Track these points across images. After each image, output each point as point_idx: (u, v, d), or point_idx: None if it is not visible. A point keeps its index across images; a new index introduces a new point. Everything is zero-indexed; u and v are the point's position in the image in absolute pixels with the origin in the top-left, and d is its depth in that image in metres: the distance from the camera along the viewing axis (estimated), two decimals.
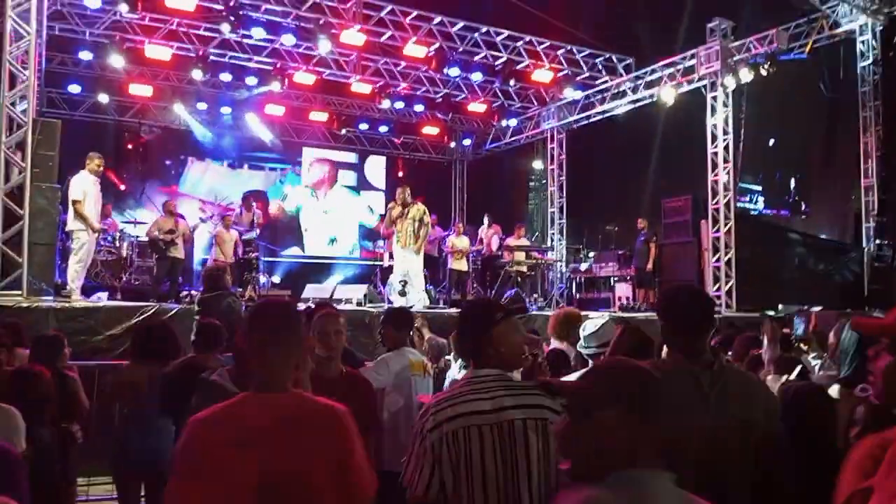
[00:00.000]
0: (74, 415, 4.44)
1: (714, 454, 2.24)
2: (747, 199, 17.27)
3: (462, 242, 13.52)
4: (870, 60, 12.54)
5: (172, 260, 10.40)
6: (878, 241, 12.47)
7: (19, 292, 7.90)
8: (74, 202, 8.63)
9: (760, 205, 17.17)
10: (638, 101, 14.19)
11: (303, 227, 16.58)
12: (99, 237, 10.72)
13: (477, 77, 14.38)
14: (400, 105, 15.71)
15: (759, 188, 17.13)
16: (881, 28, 12.15)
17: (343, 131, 17.03)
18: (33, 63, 8.80)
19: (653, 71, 13.76)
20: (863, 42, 12.58)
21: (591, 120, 15.31)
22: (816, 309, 10.10)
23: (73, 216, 8.64)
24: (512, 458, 2.20)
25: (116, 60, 12.61)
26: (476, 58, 13.84)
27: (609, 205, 15.29)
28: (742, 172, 17.09)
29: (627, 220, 13.52)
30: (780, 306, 11.24)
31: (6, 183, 8.24)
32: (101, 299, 9.07)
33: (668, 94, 13.15)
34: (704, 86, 12.74)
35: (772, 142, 17.24)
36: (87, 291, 9.30)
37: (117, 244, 11.51)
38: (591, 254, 14.71)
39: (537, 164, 18.14)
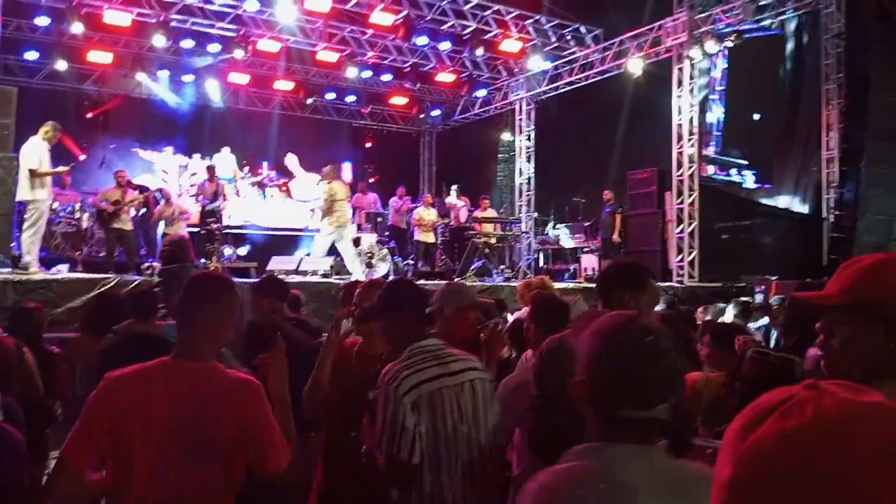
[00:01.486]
0: (56, 393, 4.38)
1: None
2: (733, 172, 17.37)
3: (430, 214, 13.50)
4: (833, 33, 12.66)
5: (118, 231, 10.21)
6: (837, 213, 12.71)
7: None
8: (32, 171, 8.40)
9: (750, 180, 17.28)
10: (606, 72, 14.19)
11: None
12: (58, 208, 10.54)
13: (445, 46, 14.26)
14: (367, 74, 15.53)
15: (746, 162, 17.24)
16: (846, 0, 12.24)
17: (309, 100, 16.80)
18: None
19: (621, 42, 13.76)
20: (827, 14, 12.68)
21: (559, 91, 15.29)
22: (774, 278, 10.32)
23: (27, 185, 8.41)
24: (473, 416, 2.48)
25: (75, 26, 12.25)
26: (444, 27, 13.70)
27: (576, 176, 15.33)
28: (728, 146, 17.33)
29: (594, 191, 13.59)
30: (742, 277, 11.45)
31: None
32: (61, 271, 8.92)
33: (635, 66, 13.17)
34: (671, 57, 12.78)
35: (757, 116, 17.39)
36: (46, 263, 9.14)
37: (77, 215, 11.29)
38: (562, 225, 14.77)
39: (506, 136, 18.11)
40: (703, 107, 13.01)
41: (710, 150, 17.25)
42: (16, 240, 9.00)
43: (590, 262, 12.95)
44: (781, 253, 13.36)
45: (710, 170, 16.93)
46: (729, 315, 5.93)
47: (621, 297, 2.55)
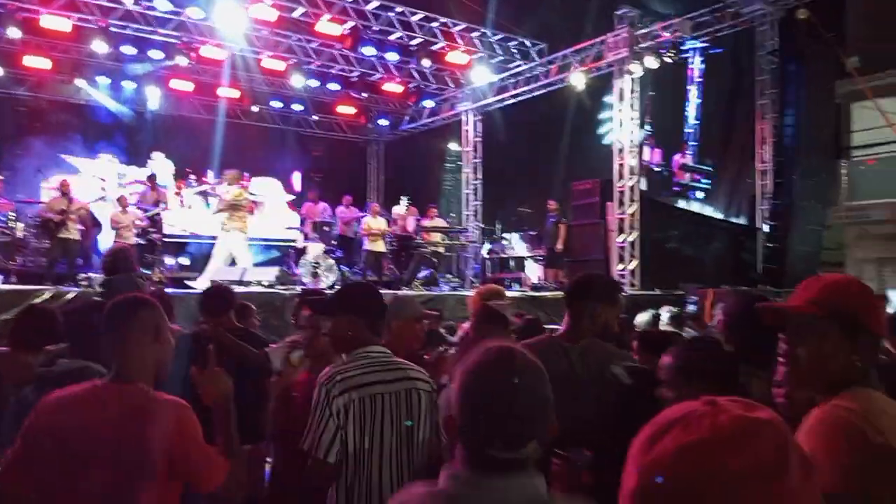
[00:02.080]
0: None
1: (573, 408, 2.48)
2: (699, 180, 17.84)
3: (378, 223, 13.49)
4: (768, 50, 13.15)
5: (64, 241, 9.95)
6: (771, 223, 13.18)
7: None
8: None
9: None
10: (550, 85, 14.45)
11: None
12: None
13: (392, 57, 14.32)
14: (314, 83, 15.47)
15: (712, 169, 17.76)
16: (779, 18, 12.72)
17: (255, 108, 16.63)
18: None
19: (564, 56, 14.03)
20: (761, 32, 13.18)
21: (505, 103, 15.49)
22: (713, 289, 10.64)
23: None
24: (402, 425, 2.51)
25: (11, 31, 11.90)
26: (391, 37, 13.76)
27: (522, 186, 15.57)
28: (701, 156, 17.86)
29: (539, 201, 13.80)
30: (680, 285, 11.76)
31: None
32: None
33: (578, 80, 13.44)
34: (612, 72, 13.09)
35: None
36: None
37: (11, 225, 10.94)
38: (510, 234, 14.94)
39: (453, 146, 18.24)
40: (644, 119, 13.31)
41: (689, 159, 17.81)
42: None
43: (534, 271, 13.13)
44: (719, 262, 13.79)
45: (688, 177, 17.45)
46: (663, 322, 6.10)
47: (594, 309, 2.65)
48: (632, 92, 12.84)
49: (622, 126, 12.88)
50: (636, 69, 12.74)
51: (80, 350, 2.82)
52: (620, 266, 12.51)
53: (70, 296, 7.67)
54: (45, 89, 14.68)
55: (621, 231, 12.59)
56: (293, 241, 13.98)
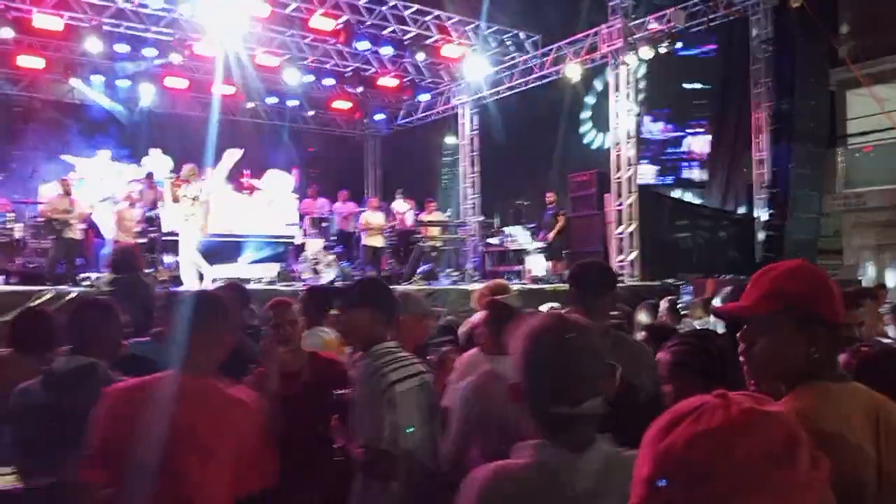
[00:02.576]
0: None
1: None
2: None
3: (376, 218, 13.50)
4: (762, 38, 13.17)
5: (67, 241, 9.93)
6: (770, 212, 13.23)
7: None
8: None
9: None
10: (545, 77, 14.44)
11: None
12: None
13: (387, 51, 14.28)
14: (309, 79, 15.42)
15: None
16: (772, 7, 12.73)
17: (249, 104, 16.58)
18: None
19: (559, 48, 14.02)
20: (755, 21, 13.18)
21: (500, 96, 15.48)
22: (713, 278, 10.69)
23: None
24: (429, 415, 2.64)
25: (3, 31, 11.84)
26: (385, 31, 13.73)
27: (520, 179, 15.57)
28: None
29: (537, 194, 13.82)
30: (678, 275, 11.81)
31: None
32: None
33: (573, 71, 13.44)
34: (606, 63, 13.10)
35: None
36: None
37: (9, 225, 10.91)
38: (510, 227, 14.91)
39: (450, 140, 18.23)
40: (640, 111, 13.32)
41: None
42: None
43: (534, 263, 13.14)
44: (718, 252, 13.84)
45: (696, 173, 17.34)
46: (661, 313, 6.13)
47: (605, 298, 2.69)
48: (627, 83, 12.85)
49: (618, 117, 12.89)
50: (631, 60, 12.74)
51: (85, 349, 2.84)
52: (619, 257, 12.55)
53: (72, 296, 7.66)
54: (39, 89, 14.62)
55: (620, 222, 12.62)
56: (292, 237, 13.98)
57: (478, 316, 5.22)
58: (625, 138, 12.79)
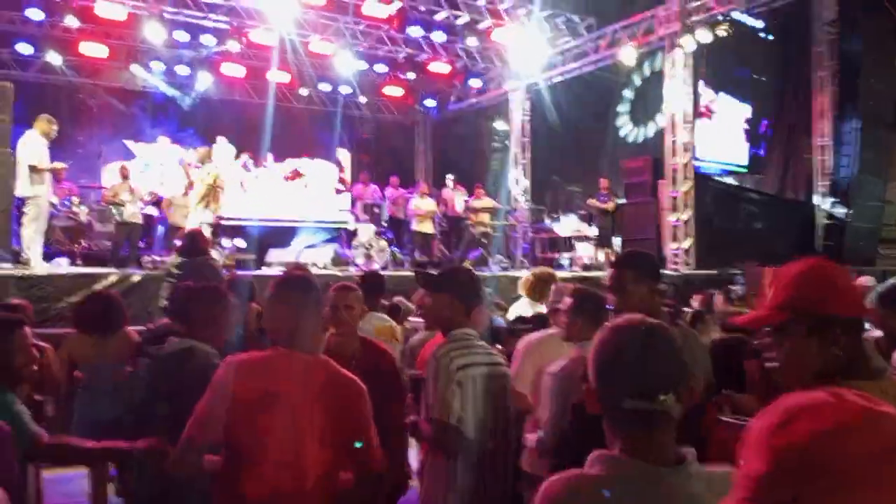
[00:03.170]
0: (46, 388, 4.43)
1: None
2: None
3: (426, 204, 13.57)
4: (825, 20, 12.75)
5: (128, 224, 10.25)
6: (831, 200, 12.87)
7: None
8: (32, 167, 8.41)
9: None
10: (599, 61, 14.24)
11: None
12: (57, 202, 10.56)
13: (439, 37, 14.28)
14: (362, 65, 15.54)
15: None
16: None
17: (304, 91, 16.79)
18: None
19: (613, 31, 13.80)
20: (819, 2, 12.76)
21: (553, 80, 15.33)
22: (772, 267, 10.44)
23: (26, 181, 8.41)
24: (501, 403, 2.77)
25: (68, 19, 12.23)
26: (438, 17, 13.72)
27: (571, 165, 15.43)
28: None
29: (589, 180, 13.70)
30: (735, 264, 11.58)
31: None
32: (62, 266, 8.97)
33: (628, 55, 13.22)
34: (663, 46, 12.84)
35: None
36: (46, 257, 9.17)
37: (75, 209, 11.31)
38: (560, 214, 14.86)
39: (501, 125, 18.15)
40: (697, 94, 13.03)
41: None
42: (15, 235, 9.03)
43: (585, 250, 13.06)
44: (776, 240, 13.51)
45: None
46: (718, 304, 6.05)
47: (650, 287, 2.68)
48: (684, 66, 12.59)
49: (674, 102, 12.65)
50: (688, 43, 12.47)
51: (194, 333, 2.93)
52: (674, 245, 12.36)
53: (135, 278, 7.93)
54: (102, 76, 15.05)
55: (674, 209, 12.42)
56: (344, 222, 14.17)
57: (528, 303, 5.27)
58: (681, 123, 12.55)
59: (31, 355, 2.63)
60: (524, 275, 6.15)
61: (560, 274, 10.70)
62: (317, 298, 2.31)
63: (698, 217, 12.52)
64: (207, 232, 9.31)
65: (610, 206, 12.83)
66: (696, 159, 13.09)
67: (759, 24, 14.10)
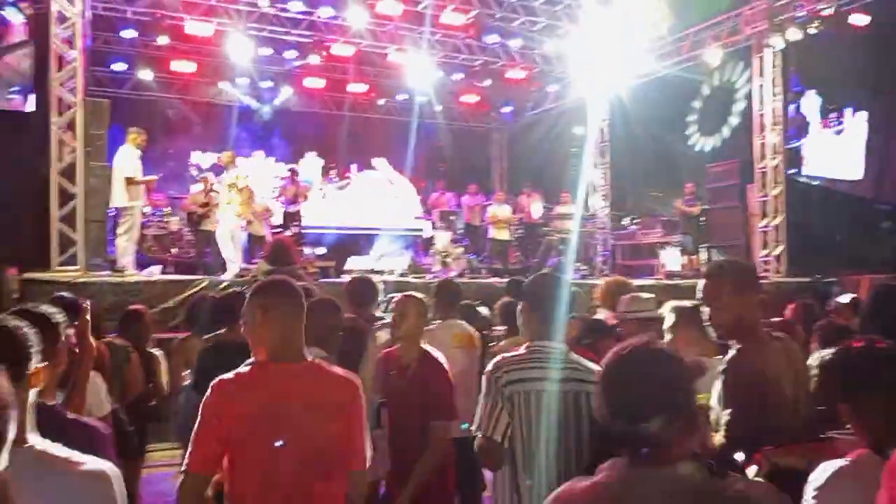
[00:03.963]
0: (156, 391, 4.60)
1: None
2: None
3: (503, 211, 13.49)
4: None
5: (206, 233, 10.57)
6: None
7: (76, 268, 8.18)
8: (128, 179, 8.79)
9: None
10: (682, 62, 13.82)
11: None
12: (148, 211, 11.01)
13: (516, 43, 14.19)
14: (438, 74, 15.61)
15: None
16: None
17: (381, 102, 17.00)
18: (79, 43, 8.97)
19: (697, 32, 13.37)
20: None
21: (633, 84, 14.95)
22: (869, 275, 9.87)
23: (122, 192, 8.80)
24: (565, 426, 2.50)
25: (160, 38, 12.77)
26: (514, 24, 13.64)
27: (652, 169, 14.98)
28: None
29: (671, 184, 13.28)
30: (829, 272, 10.99)
31: (59, 162, 8.47)
32: (154, 273, 9.32)
33: (712, 56, 12.78)
34: (750, 46, 12.37)
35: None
36: (139, 265, 9.56)
37: (166, 219, 11.76)
38: (640, 220, 14.45)
39: (579, 130, 17.85)
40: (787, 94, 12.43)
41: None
42: (111, 244, 9.45)
43: (669, 257, 12.66)
44: (874, 247, 12.75)
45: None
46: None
47: (748, 299, 2.50)
48: (773, 66, 12.08)
49: (762, 102, 12.15)
50: (777, 42, 11.96)
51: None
52: (764, 251, 11.85)
53: (224, 284, 8.15)
54: (190, 91, 15.65)
55: (764, 215, 11.91)
56: (420, 230, 14.23)
57: (602, 312, 5.10)
58: (770, 125, 12.04)
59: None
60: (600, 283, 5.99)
61: (640, 282, 10.42)
62: (300, 307, 2.30)
63: (790, 222, 11.96)
64: (228, 238, 9.51)
65: (696, 209, 12.43)
66: (799, 169, 12.52)
67: (860, 19, 13.31)
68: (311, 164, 13.98)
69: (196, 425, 2.15)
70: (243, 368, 2.22)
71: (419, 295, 3.65)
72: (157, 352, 4.92)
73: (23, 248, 7.95)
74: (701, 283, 2.59)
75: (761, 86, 12.17)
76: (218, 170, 11.09)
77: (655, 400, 1.41)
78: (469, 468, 3.94)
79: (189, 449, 2.14)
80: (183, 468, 2.15)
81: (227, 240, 9.51)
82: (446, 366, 3.45)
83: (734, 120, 13.86)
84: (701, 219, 12.60)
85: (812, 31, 11.94)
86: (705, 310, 2.57)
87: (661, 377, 1.44)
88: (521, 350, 2.65)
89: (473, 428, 2.58)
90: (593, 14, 13.67)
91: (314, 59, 13.87)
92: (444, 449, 3.30)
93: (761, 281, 10.38)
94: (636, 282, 8.60)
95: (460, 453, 3.56)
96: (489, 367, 2.63)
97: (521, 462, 2.50)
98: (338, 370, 2.35)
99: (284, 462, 2.12)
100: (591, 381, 2.54)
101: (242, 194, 9.71)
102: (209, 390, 2.18)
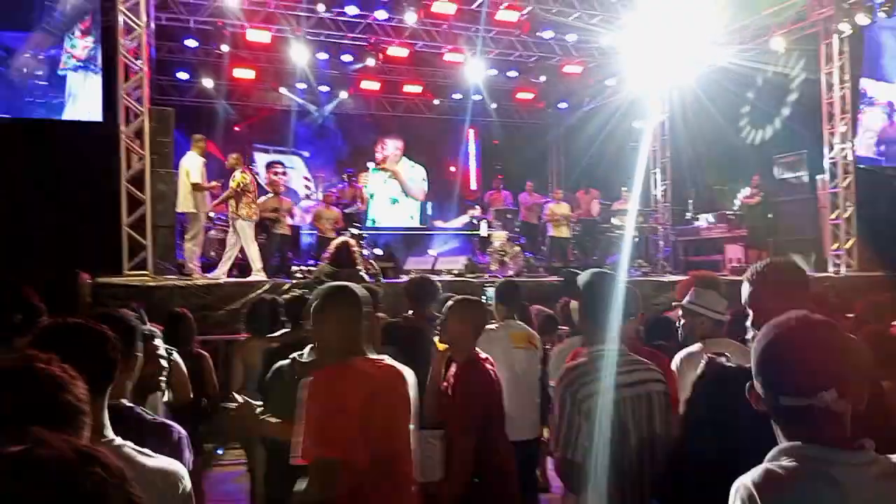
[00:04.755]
0: (205, 392, 4.72)
1: None
2: None
3: (561, 209, 13.35)
4: None
5: (279, 237, 10.79)
6: None
7: (146, 272, 8.45)
8: (195, 185, 9.04)
9: None
10: (745, 50, 13.40)
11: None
12: (213, 216, 11.30)
13: (572, 38, 14.02)
14: (492, 72, 15.56)
15: None
16: None
17: (436, 101, 17.05)
18: (145, 54, 9.26)
19: (759, 19, 12.93)
20: None
21: (693, 75, 14.57)
22: None
23: (189, 198, 9.06)
24: (648, 428, 2.47)
25: (221, 46, 13.10)
26: (570, 18, 13.47)
27: (715, 162, 14.56)
28: None
29: (735, 177, 12.90)
30: None
31: (128, 170, 8.77)
32: (219, 276, 9.55)
33: (778, 43, 12.36)
34: (817, 33, 11.92)
35: None
36: (204, 268, 9.82)
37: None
38: (703, 215, 14.08)
39: (638, 124, 17.53)
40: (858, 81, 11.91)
41: None
42: (179, 248, 9.74)
43: (735, 252, 12.30)
44: None
45: None
46: None
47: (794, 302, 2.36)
48: (840, 53, 11.61)
49: (830, 90, 11.70)
50: (845, 27, 11.49)
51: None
52: (835, 245, 11.40)
53: (286, 286, 8.30)
54: (251, 97, 16.00)
55: (834, 207, 11.46)
56: (477, 229, 14.20)
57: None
58: (839, 114, 11.58)
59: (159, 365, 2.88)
60: (674, 279, 5.84)
61: None
62: (361, 311, 2.44)
63: (861, 214, 11.47)
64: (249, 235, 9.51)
65: (755, 200, 12.04)
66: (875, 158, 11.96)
67: None
68: (373, 176, 14.13)
69: (310, 414, 2.24)
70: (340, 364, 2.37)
71: (472, 298, 3.62)
72: (204, 352, 5.02)
73: (94, 253, 8.25)
74: (745, 286, 2.45)
75: (829, 73, 11.70)
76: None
77: (828, 370, 1.35)
78: (528, 470, 3.92)
79: (307, 436, 2.24)
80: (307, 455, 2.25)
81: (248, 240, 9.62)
82: (491, 374, 3.38)
83: (786, 111, 13.34)
84: (768, 214, 12.20)
85: (882, 14, 11.44)
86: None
87: (831, 345, 1.38)
88: (584, 357, 2.57)
89: (552, 446, 2.54)
90: (652, 4, 13.40)
91: (370, 62, 13.99)
92: (464, 461, 3.16)
93: (832, 275, 9.98)
94: None
95: (519, 456, 3.55)
96: (561, 379, 2.55)
97: (595, 471, 2.42)
98: (385, 361, 2.48)
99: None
100: (659, 380, 2.57)
101: (246, 196, 9.63)
102: (311, 384, 2.29)
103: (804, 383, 1.35)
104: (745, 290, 2.37)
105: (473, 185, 18.25)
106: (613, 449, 2.39)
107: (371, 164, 15.28)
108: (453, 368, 3.42)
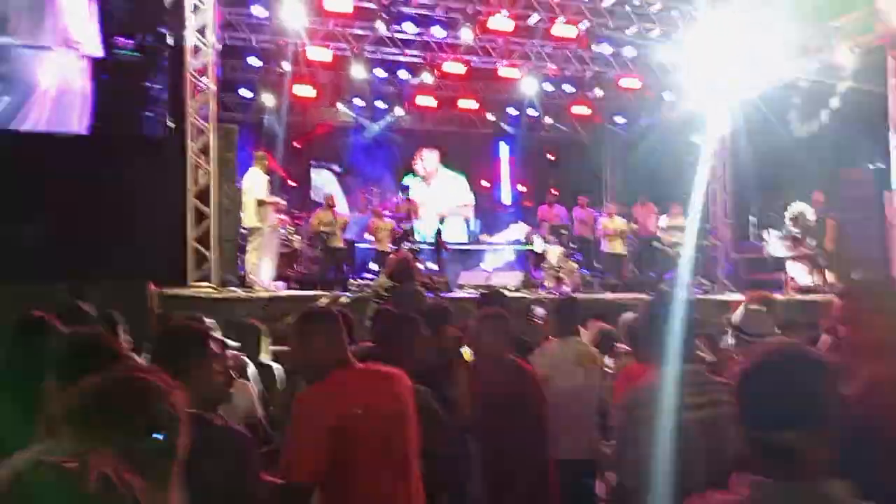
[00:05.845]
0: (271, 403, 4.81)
1: None
2: None
3: (616, 224, 13.22)
4: None
5: (333, 250, 10.98)
6: None
7: (210, 284, 8.70)
8: (259, 200, 9.29)
9: None
10: (807, 65, 13.04)
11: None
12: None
13: (630, 52, 13.92)
14: (548, 87, 15.53)
15: None
16: None
17: (491, 117, 17.11)
18: (212, 72, 9.59)
19: (823, 31, 12.58)
20: None
21: (754, 88, 14.25)
22: None
23: (253, 213, 9.29)
24: (707, 451, 2.32)
25: (283, 64, 13.46)
26: (628, 31, 13.37)
27: (777, 177, 14.19)
28: None
29: (799, 194, 12.53)
30: None
31: (195, 185, 9.07)
32: (279, 289, 9.77)
33: (844, 56, 12.01)
34: (883, 44, 11.54)
35: None
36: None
37: (290, 237, 12.31)
38: (766, 232, 13.73)
39: (697, 139, 17.21)
40: None
41: None
42: (240, 261, 10.00)
43: (797, 271, 11.95)
44: None
45: None
46: None
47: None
48: None
49: None
50: None
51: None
52: None
53: (344, 300, 8.44)
54: (310, 114, 16.33)
55: None
56: (530, 244, 14.17)
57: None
58: None
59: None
60: (734, 298, 5.73)
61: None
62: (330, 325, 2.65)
63: None
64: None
65: (830, 230, 11.64)
66: None
67: None
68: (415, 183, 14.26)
69: (289, 436, 2.54)
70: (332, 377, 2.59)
71: (500, 311, 3.80)
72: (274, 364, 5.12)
73: (159, 265, 8.52)
74: (836, 302, 2.39)
75: None
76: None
77: (798, 409, 1.33)
78: (583, 491, 3.90)
79: (283, 457, 2.53)
80: (283, 476, 2.51)
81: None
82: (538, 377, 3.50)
83: (852, 125, 12.92)
84: (825, 227, 11.78)
85: None
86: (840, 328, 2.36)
87: (806, 384, 1.35)
88: (647, 378, 2.51)
89: (608, 468, 2.54)
90: (712, 19, 13.20)
91: (427, 78, 14.15)
92: None
93: None
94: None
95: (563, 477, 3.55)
96: (626, 401, 2.50)
97: (650, 498, 2.32)
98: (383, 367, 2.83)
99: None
100: (726, 401, 2.39)
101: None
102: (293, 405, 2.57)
103: (770, 418, 1.36)
104: (838, 306, 2.33)
105: (508, 200, 18.28)
106: (673, 474, 2.28)
107: (410, 181, 15.37)
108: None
